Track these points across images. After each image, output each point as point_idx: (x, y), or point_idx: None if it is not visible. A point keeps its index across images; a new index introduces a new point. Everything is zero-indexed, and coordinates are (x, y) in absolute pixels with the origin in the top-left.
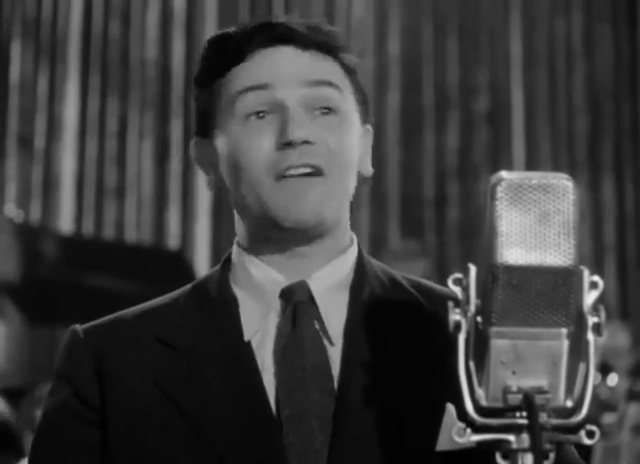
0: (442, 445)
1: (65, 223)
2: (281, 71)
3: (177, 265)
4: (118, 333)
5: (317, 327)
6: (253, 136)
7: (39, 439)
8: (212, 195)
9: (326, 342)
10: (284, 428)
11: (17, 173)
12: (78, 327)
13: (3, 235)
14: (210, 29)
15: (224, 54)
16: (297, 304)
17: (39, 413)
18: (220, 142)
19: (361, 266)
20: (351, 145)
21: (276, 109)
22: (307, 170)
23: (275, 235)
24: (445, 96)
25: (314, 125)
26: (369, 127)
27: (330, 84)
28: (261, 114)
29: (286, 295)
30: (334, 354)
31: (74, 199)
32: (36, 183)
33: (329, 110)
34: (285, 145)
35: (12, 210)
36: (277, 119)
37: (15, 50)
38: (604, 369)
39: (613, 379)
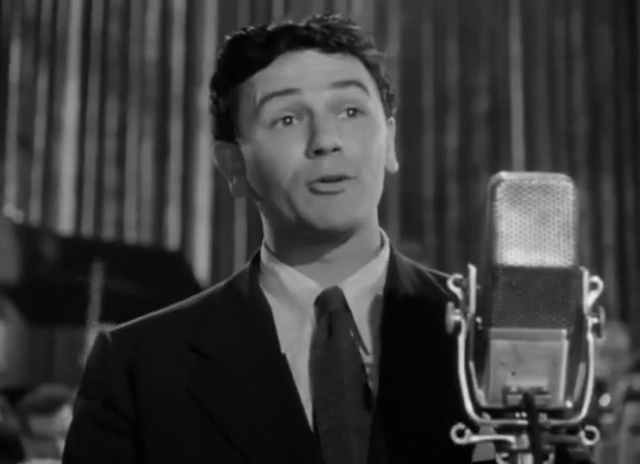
0: (479, 455)
1: (64, 224)
2: (306, 74)
3: (177, 265)
4: (148, 339)
5: (352, 335)
6: (282, 143)
7: (70, 450)
8: (212, 196)
9: (361, 351)
10: (322, 442)
11: (17, 173)
12: (107, 332)
13: (2, 235)
14: (209, 29)
15: (245, 59)
16: (332, 312)
17: (34, 421)
18: (246, 150)
19: (393, 268)
20: (378, 147)
21: (303, 114)
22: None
23: (304, 235)
24: (444, 96)
25: (342, 129)
26: (392, 119)
27: (356, 83)
28: (288, 120)
29: (321, 303)
30: (370, 362)
31: (74, 199)
32: (35, 183)
33: (355, 111)
34: (316, 153)
35: (11, 210)
36: (305, 125)
37: (15, 50)
38: (598, 388)
39: (606, 399)
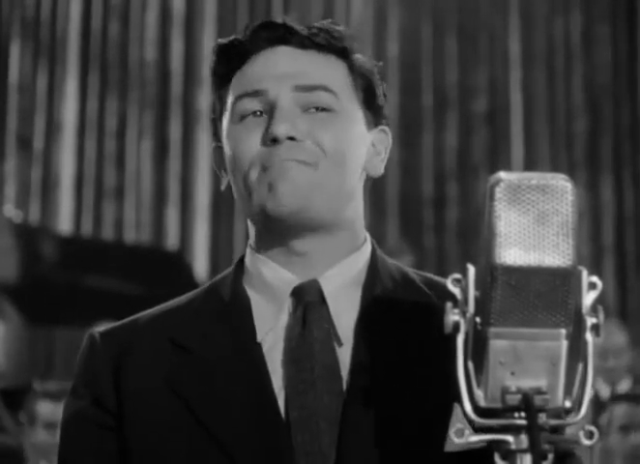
0: (450, 445)
1: (64, 224)
2: (276, 74)
3: (176, 265)
4: (133, 336)
5: (327, 327)
6: (246, 132)
7: (64, 451)
8: (211, 196)
9: (335, 343)
10: (293, 429)
11: (16, 173)
12: (96, 331)
13: (2, 235)
14: (209, 29)
15: (227, 62)
16: (307, 304)
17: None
18: (224, 143)
19: (374, 264)
20: (348, 142)
21: (269, 109)
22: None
23: (269, 225)
24: (444, 96)
25: (305, 121)
26: (385, 128)
27: (324, 89)
28: (258, 113)
29: (297, 294)
30: (344, 354)
31: (73, 199)
32: (35, 183)
33: (323, 109)
34: (271, 141)
35: (11, 210)
36: (268, 117)
37: (15, 51)
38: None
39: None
